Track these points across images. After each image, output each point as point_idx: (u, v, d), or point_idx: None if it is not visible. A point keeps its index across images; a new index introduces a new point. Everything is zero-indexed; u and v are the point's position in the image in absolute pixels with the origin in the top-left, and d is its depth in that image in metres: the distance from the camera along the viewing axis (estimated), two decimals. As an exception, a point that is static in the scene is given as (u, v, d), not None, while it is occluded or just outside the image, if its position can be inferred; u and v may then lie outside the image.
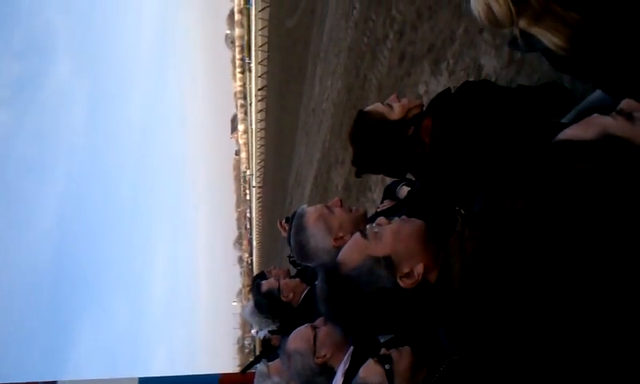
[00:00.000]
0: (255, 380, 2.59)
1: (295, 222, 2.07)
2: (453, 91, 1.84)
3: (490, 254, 0.84)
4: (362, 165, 1.88)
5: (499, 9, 1.14)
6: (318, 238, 1.99)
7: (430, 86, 4.98)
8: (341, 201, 2.11)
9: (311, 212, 2.06)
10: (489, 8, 1.15)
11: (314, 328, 2.05)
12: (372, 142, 1.81)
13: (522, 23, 1.13)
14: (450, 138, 1.63)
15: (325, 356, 2.01)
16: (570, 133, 0.86)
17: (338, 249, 1.81)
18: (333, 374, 2.02)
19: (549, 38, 1.11)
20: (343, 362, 1.99)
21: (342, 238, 1.93)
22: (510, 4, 1.12)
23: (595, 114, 0.88)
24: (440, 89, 4.69)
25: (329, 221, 2.02)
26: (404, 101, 1.83)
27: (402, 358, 1.63)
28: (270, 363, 2.49)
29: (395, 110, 1.80)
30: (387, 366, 1.61)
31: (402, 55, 5.98)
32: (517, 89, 1.93)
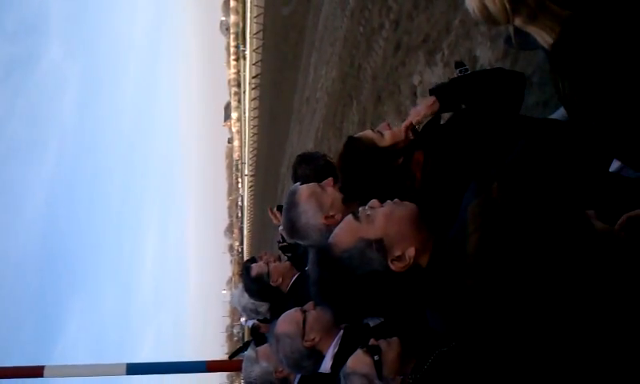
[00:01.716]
0: (243, 365, 2.59)
1: (287, 198, 2.07)
2: (444, 118, 1.83)
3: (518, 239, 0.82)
4: (351, 191, 1.86)
5: (494, 7, 1.13)
6: (310, 215, 1.98)
7: (425, 76, 4.98)
8: (333, 180, 2.10)
9: (304, 189, 2.05)
10: (483, 5, 1.14)
11: (304, 312, 2.06)
12: (361, 168, 1.80)
13: (518, 21, 1.12)
14: (443, 182, 1.63)
15: (314, 340, 2.01)
16: None
17: (329, 227, 1.80)
18: (321, 357, 2.02)
19: (543, 37, 1.11)
20: (332, 345, 2.00)
21: (332, 216, 1.93)
22: (506, 2, 1.11)
23: None
24: (434, 79, 4.69)
25: (321, 199, 2.01)
26: (395, 129, 1.84)
27: (391, 348, 1.63)
28: (258, 348, 2.49)
29: (386, 137, 1.80)
30: (376, 357, 1.61)
31: (397, 45, 5.96)
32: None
